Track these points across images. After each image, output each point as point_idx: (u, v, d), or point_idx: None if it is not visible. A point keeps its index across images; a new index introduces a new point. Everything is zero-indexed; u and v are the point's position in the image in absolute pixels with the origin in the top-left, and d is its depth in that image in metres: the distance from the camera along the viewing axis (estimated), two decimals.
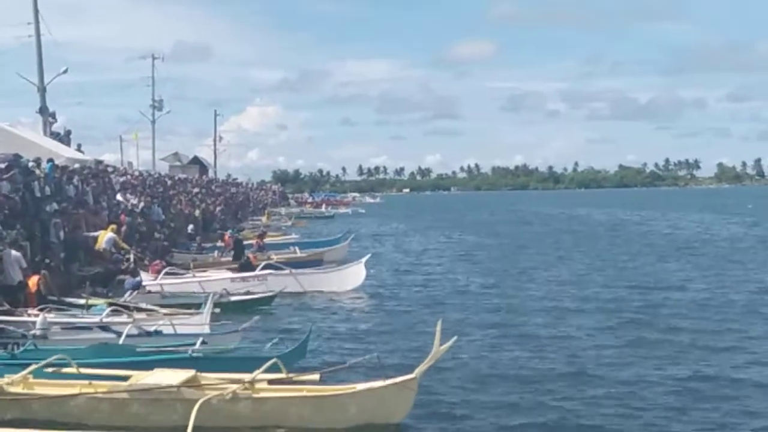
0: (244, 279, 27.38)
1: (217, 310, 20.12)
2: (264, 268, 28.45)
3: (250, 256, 32.55)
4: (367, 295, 27.41)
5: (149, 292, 24.89)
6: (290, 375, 12.42)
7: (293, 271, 28.38)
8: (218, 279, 27.39)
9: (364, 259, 28.81)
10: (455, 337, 11.70)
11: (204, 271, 30.36)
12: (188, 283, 27.22)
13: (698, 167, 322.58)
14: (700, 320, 21.59)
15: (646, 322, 21.13)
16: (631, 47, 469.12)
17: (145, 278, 26.60)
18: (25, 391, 12.50)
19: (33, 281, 21.09)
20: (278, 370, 12.29)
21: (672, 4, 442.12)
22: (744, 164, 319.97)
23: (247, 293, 25.16)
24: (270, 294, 24.96)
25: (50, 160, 33.41)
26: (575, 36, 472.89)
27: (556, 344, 18.52)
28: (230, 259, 32.83)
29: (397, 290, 28.90)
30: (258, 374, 12.00)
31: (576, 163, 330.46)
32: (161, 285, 26.21)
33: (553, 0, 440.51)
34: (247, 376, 12.03)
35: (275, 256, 33.94)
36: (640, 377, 15.33)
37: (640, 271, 33.06)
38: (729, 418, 12.75)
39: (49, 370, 13.05)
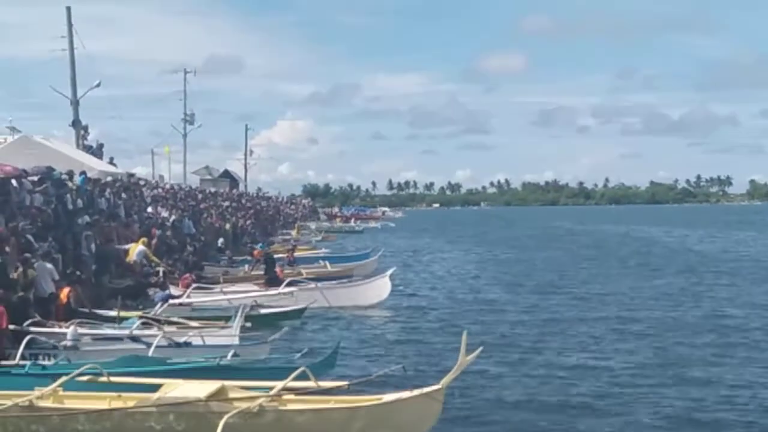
0: (270, 296, 27.46)
1: (248, 324, 20.24)
2: (288, 284, 28.52)
3: (278, 270, 32.66)
4: (393, 308, 27.51)
5: (181, 304, 25.07)
6: (319, 384, 12.48)
7: (318, 285, 28.47)
8: (247, 295, 27.45)
9: (388, 273, 28.89)
10: (481, 348, 11.70)
11: (231, 285, 30.51)
12: (217, 299, 27.33)
13: (730, 184, 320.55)
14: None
15: (683, 346, 20.63)
16: (662, 62, 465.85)
17: (175, 292, 26.80)
18: (55, 405, 12.59)
19: (64, 293, 21.28)
20: (307, 380, 12.35)
21: (704, 17, 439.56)
22: None
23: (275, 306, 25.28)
24: (300, 307, 25.06)
25: (83, 173, 33.70)
26: (606, 50, 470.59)
27: (582, 363, 18.44)
28: (261, 273, 32.94)
29: (423, 303, 29.01)
30: (287, 383, 12.07)
31: (606, 179, 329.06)
32: (191, 300, 26.33)
33: (584, 13, 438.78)
34: (276, 385, 12.10)
35: (305, 271, 34.08)
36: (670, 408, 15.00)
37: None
38: None
39: (81, 379, 13.16)
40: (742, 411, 14.31)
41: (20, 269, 20.60)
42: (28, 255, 21.39)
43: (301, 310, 24.91)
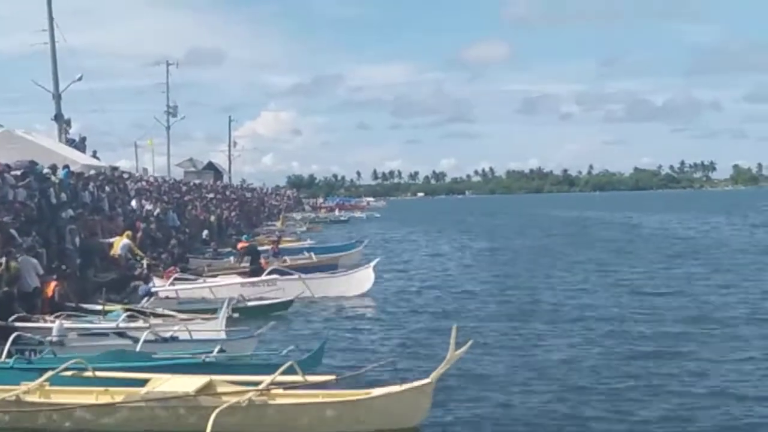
0: (253, 284, 27.45)
1: (236, 315, 20.21)
2: (270, 273, 28.52)
3: (262, 261, 32.64)
4: (378, 300, 27.41)
5: (167, 297, 25.04)
6: (307, 378, 12.43)
7: (301, 276, 28.43)
8: (228, 284, 27.50)
9: (372, 264, 28.90)
10: (470, 342, 11.70)
11: (214, 276, 30.47)
12: (198, 288, 27.28)
13: (714, 169, 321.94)
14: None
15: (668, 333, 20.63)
16: (646, 48, 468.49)
17: (159, 284, 26.75)
18: (42, 399, 12.55)
19: (50, 287, 21.18)
20: (294, 374, 12.31)
21: (687, 4, 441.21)
22: (760, 166, 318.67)
23: (260, 299, 25.25)
24: (287, 299, 25.04)
25: (66, 167, 33.55)
26: (590, 37, 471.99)
27: (572, 352, 18.41)
28: (247, 265, 32.89)
29: (408, 294, 28.89)
30: (275, 377, 12.03)
31: (591, 166, 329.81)
32: (175, 291, 26.28)
33: (567, 1, 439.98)
34: (264, 380, 12.06)
35: (290, 261, 34.04)
36: (646, 387, 15.13)
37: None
38: None
39: (67, 374, 13.10)
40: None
41: (3, 264, 20.48)
42: (11, 249, 21.28)
43: (289, 302, 24.88)
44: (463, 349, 11.41)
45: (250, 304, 23.81)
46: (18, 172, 28.68)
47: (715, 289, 28.20)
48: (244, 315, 21.03)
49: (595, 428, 12.64)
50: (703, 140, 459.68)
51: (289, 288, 26.61)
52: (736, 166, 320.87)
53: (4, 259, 20.63)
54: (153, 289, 25.32)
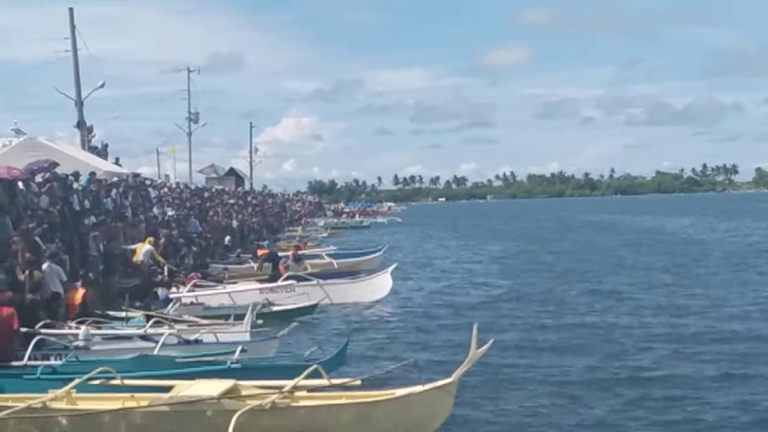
0: (271, 289, 27.50)
1: (260, 321, 20.28)
2: (287, 279, 28.62)
3: (281, 267, 32.73)
4: (397, 304, 27.53)
5: (192, 304, 25.11)
6: (332, 381, 12.46)
7: (320, 281, 28.49)
8: (246, 290, 27.61)
9: (390, 269, 28.95)
10: (492, 340, 11.68)
11: (234, 282, 30.56)
12: (218, 294, 27.39)
13: (736, 172, 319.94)
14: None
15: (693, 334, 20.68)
16: (667, 52, 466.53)
17: (181, 290, 26.83)
18: (69, 406, 12.60)
19: (79, 294, 21.23)
20: (319, 377, 12.34)
21: (708, 7, 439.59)
22: None
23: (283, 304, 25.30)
24: (311, 303, 25.15)
25: (92, 174, 33.71)
26: (610, 41, 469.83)
27: (592, 353, 18.43)
28: (267, 271, 32.98)
29: (427, 298, 29.07)
30: (299, 381, 12.07)
31: (612, 170, 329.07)
32: (195, 297, 26.34)
33: (586, 5, 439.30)
34: (287, 383, 12.09)
35: (311, 267, 34.11)
36: (685, 389, 15.15)
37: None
38: None
39: (94, 381, 13.16)
40: None
41: (27, 271, 20.59)
42: (32, 257, 21.38)
43: (313, 307, 25.01)
44: (485, 347, 11.39)
45: (274, 309, 23.88)
46: (39, 179, 28.82)
47: None
48: (268, 320, 21.07)
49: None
50: (725, 143, 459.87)
51: (311, 293, 26.73)
52: (758, 169, 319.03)
53: (27, 267, 20.75)
54: (171, 296, 25.39)
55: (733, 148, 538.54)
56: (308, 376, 12.17)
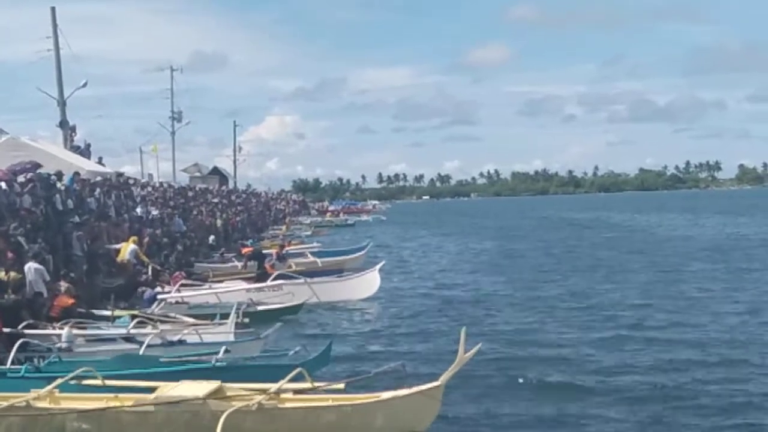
0: (259, 289, 27.42)
1: (246, 320, 20.20)
2: (276, 278, 28.49)
3: (267, 266, 32.64)
4: (384, 302, 27.48)
5: (177, 303, 25.02)
6: (316, 384, 12.40)
7: (307, 280, 28.39)
8: (234, 290, 27.48)
9: (377, 267, 28.85)
10: (480, 344, 11.66)
11: (220, 281, 30.45)
12: (204, 294, 27.28)
13: (719, 169, 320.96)
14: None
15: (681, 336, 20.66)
16: (649, 49, 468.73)
17: (166, 290, 26.72)
18: (52, 405, 12.53)
19: (65, 294, 21.09)
20: (303, 380, 12.29)
21: (690, 4, 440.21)
22: (765, 165, 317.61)
23: (268, 303, 25.22)
24: (297, 303, 25.05)
25: (76, 173, 33.56)
26: (593, 38, 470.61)
27: (578, 354, 18.44)
28: (252, 269, 32.92)
29: (419, 296, 28.98)
30: (283, 383, 12.01)
31: (596, 167, 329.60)
32: (180, 296, 26.24)
33: (569, 2, 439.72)
34: (272, 386, 12.03)
35: (295, 266, 34.03)
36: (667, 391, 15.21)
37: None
38: None
39: (75, 383, 13.08)
40: None
41: (7, 272, 20.47)
42: (14, 257, 21.27)
43: (298, 306, 24.94)
44: (473, 351, 11.36)
45: (259, 308, 23.81)
46: (22, 179, 28.66)
47: None
48: (254, 320, 21.00)
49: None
50: (707, 140, 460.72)
51: (298, 292, 26.59)
52: (741, 166, 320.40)
53: (8, 267, 20.63)
54: (160, 296, 25.28)
55: (715, 145, 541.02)
56: (293, 379, 12.12)
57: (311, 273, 31.11)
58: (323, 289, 27.96)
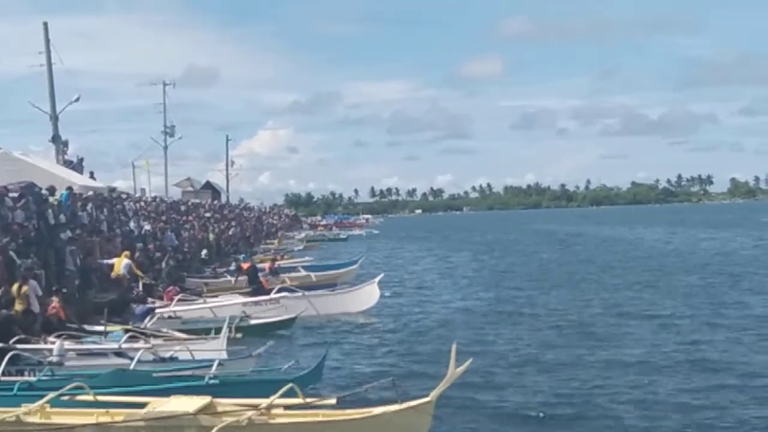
0: (256, 303, 27.37)
1: (239, 335, 20.16)
2: (278, 291, 28.42)
3: (262, 280, 32.61)
4: (381, 316, 27.45)
5: (170, 317, 24.96)
6: (307, 400, 12.39)
7: (306, 293, 28.34)
8: (230, 304, 27.40)
9: (377, 280, 28.77)
10: (470, 360, 11.65)
11: (216, 296, 30.40)
12: (200, 308, 27.19)
13: (711, 182, 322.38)
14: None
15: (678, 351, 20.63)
16: (642, 62, 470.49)
17: (160, 304, 26.66)
18: (43, 420, 12.51)
19: (55, 308, 21.11)
20: (294, 395, 12.28)
21: (682, 18, 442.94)
22: (757, 179, 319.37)
23: (263, 317, 25.19)
24: (290, 317, 25.00)
25: (69, 188, 33.54)
26: (586, 52, 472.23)
27: (570, 369, 18.45)
28: (244, 284, 32.87)
29: (411, 311, 28.93)
30: (274, 399, 12.00)
31: (588, 181, 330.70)
32: (173, 311, 26.17)
33: (562, 16, 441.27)
34: (263, 402, 12.02)
35: (289, 280, 34.00)
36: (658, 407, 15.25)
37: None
38: None
39: (66, 398, 13.07)
40: None
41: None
42: (6, 272, 21.29)
43: (291, 320, 24.88)
44: (464, 367, 11.36)
45: (252, 322, 23.79)
46: (15, 194, 28.62)
47: None
48: (247, 334, 20.97)
49: None
50: (699, 154, 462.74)
51: (292, 306, 26.54)
52: (733, 179, 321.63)
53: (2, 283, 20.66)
54: (158, 311, 25.20)
55: (707, 159, 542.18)
56: (286, 393, 12.11)
57: (305, 287, 31.05)
58: (322, 302, 27.97)
